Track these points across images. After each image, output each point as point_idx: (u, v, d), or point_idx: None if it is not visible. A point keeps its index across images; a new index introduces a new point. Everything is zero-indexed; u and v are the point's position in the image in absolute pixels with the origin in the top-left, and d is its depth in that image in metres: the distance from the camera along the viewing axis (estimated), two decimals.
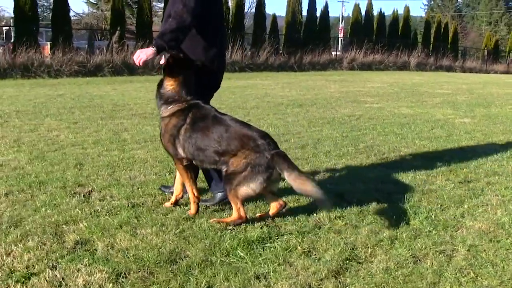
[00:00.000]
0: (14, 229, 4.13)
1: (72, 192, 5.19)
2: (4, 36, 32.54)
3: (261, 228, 4.18)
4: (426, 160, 6.80)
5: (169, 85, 4.47)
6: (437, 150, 7.66)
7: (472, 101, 15.06)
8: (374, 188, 5.44)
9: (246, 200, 4.38)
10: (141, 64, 4.35)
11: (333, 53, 36.28)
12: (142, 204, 4.81)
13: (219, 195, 4.80)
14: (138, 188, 5.30)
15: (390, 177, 5.89)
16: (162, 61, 4.46)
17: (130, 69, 23.94)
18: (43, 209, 4.62)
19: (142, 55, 4.32)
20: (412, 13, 41.39)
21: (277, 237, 4.02)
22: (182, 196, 4.78)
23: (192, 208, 4.52)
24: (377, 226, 4.28)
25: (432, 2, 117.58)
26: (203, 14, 4.46)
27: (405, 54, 37.19)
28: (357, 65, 33.81)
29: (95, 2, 49.75)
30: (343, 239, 3.98)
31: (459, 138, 8.70)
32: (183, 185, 4.71)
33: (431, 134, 9.02)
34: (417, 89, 18.81)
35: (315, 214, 4.53)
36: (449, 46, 42.98)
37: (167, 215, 4.50)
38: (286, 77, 24.46)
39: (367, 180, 5.78)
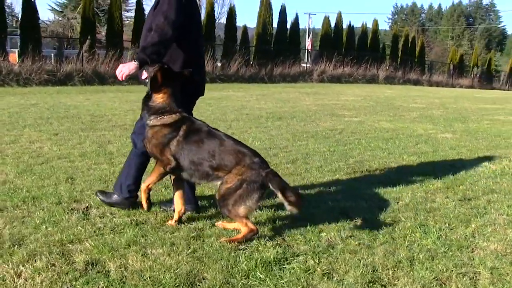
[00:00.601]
0: (18, 248, 3.95)
1: (69, 208, 5.01)
2: None
3: (274, 248, 4.09)
4: (420, 177, 6.79)
5: (159, 97, 4.42)
6: (427, 166, 7.67)
7: (448, 115, 15.25)
8: (377, 205, 5.40)
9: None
10: (123, 79, 4.34)
11: (303, 65, 36.46)
12: (145, 221, 4.67)
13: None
14: (137, 204, 5.16)
15: (390, 195, 5.86)
16: (144, 76, 4.43)
17: (100, 79, 23.67)
18: (44, 226, 4.44)
19: (124, 69, 4.31)
20: (369, 26, 41.91)
21: (292, 258, 3.93)
22: (185, 212, 4.68)
23: (143, 200, 4.56)
24: (391, 246, 4.22)
25: (396, 16, 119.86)
26: (183, 26, 4.48)
27: (374, 67, 37.62)
28: (327, 77, 34.06)
29: (60, 10, 49.07)
30: (360, 260, 3.90)
31: (446, 153, 8.76)
32: (183, 199, 4.63)
33: (417, 149, 9.06)
34: (392, 103, 18.99)
35: (324, 233, 4.46)
36: (416, 60, 43.63)
37: (173, 233, 4.37)
38: (258, 89, 24.44)
39: (367, 197, 5.74)
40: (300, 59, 36.79)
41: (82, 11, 26.88)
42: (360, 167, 7.45)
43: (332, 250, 4.11)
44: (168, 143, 4.35)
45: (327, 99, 19.51)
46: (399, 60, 41.95)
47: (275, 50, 33.46)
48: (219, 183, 4.26)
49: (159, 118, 4.39)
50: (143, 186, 4.55)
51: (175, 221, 4.62)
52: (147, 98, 4.50)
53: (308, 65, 36.81)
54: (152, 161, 4.97)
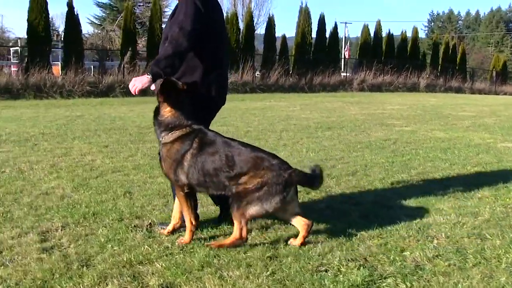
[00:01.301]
0: (87, 269, 3.73)
1: (132, 225, 4.79)
2: (17, 56, 32.27)
3: (357, 269, 3.78)
4: (492, 189, 6.38)
5: (167, 111, 4.29)
6: (495, 177, 7.22)
7: (503, 124, 14.68)
8: (456, 221, 5.00)
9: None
10: (136, 93, 4.21)
11: (342, 74, 36.05)
12: (214, 239, 4.40)
13: None
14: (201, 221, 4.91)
15: (466, 209, 5.47)
16: (153, 88, 4.28)
17: (142, 90, 23.58)
18: (109, 245, 4.22)
19: (137, 83, 4.18)
20: (409, 34, 41.15)
21: (381, 281, 3.61)
22: (181, 225, 4.49)
23: (187, 236, 4.32)
24: (486, 268, 3.85)
25: (433, 23, 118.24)
26: (201, 36, 4.31)
27: (414, 76, 36.88)
28: (367, 86, 33.54)
29: (99, 23, 49.73)
30: (456, 284, 3.56)
31: None
32: (180, 213, 4.47)
33: (479, 160, 8.63)
34: (440, 112, 18.47)
35: (408, 252, 4.13)
36: (457, 67, 42.69)
37: (246, 253, 4.09)
38: (300, 99, 24.13)
39: (443, 211, 5.37)
40: (339, 68, 36.34)
41: (123, 23, 27.02)
42: (424, 179, 7.09)
43: (421, 272, 3.77)
44: (181, 159, 4.21)
45: (373, 109, 19.08)
46: (439, 67, 41.08)
47: (314, 59, 33.07)
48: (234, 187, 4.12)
49: (170, 134, 4.26)
50: (187, 225, 4.33)
51: (168, 232, 4.52)
52: (157, 112, 4.37)
53: (347, 74, 36.29)
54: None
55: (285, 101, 22.42)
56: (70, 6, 24.39)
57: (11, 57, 34.60)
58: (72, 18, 24.64)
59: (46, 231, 4.58)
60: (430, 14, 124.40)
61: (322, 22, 34.29)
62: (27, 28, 23.44)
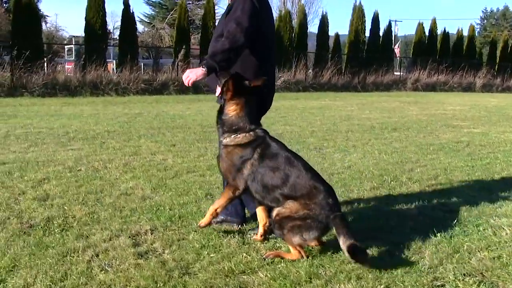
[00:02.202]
0: (188, 277, 3.57)
1: (222, 229, 4.61)
2: (71, 54, 32.79)
3: (477, 285, 3.51)
4: None
5: (232, 110, 4.17)
6: None
7: None
8: None
9: None
10: (189, 84, 4.14)
11: (396, 73, 35.39)
12: (314, 248, 4.17)
13: None
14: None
15: None
16: (218, 93, 4.22)
17: (195, 88, 23.53)
18: (205, 252, 4.05)
19: (191, 75, 4.09)
20: (465, 32, 39.92)
21: None
22: (270, 224, 4.29)
23: (206, 219, 4.32)
24: None
25: (486, 21, 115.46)
26: (257, 33, 4.26)
27: (470, 75, 35.90)
28: (421, 86, 32.85)
29: (149, 21, 50.20)
30: None
31: None
32: (266, 212, 4.32)
33: None
34: (506, 113, 17.84)
35: None
36: None
37: (350, 263, 3.84)
38: (354, 98, 23.76)
39: None
40: (393, 67, 35.67)
41: (177, 21, 27.06)
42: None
43: None
44: (242, 165, 4.11)
45: (433, 109, 18.58)
46: (496, 67, 39.83)
47: (368, 58, 32.52)
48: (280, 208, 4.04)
49: (233, 136, 4.16)
50: (211, 208, 4.29)
51: (261, 235, 4.39)
52: (220, 111, 4.26)
53: (401, 73, 35.56)
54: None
55: (340, 100, 22.09)
56: (126, 4, 24.54)
57: (65, 55, 35.10)
58: (127, 16, 24.77)
59: (136, 234, 4.44)
60: (483, 11, 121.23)
61: (376, 20, 33.72)
62: (85, 26, 23.69)
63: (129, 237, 4.36)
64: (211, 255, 3.98)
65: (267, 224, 4.35)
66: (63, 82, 21.36)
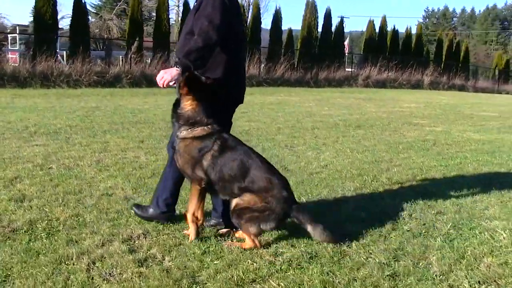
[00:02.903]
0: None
1: (219, 233, 4.44)
2: (15, 43, 31.64)
3: None
4: None
5: (188, 104, 4.15)
6: None
7: None
8: None
9: None
10: (165, 86, 4.03)
11: (347, 69, 35.73)
12: (319, 254, 4.05)
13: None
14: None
15: None
16: (172, 83, 4.08)
17: (148, 81, 23.13)
18: (207, 259, 3.87)
19: (166, 76, 4.01)
20: (413, 31, 40.72)
21: None
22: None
23: (191, 230, 4.27)
24: None
25: (427, 20, 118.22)
26: (228, 30, 4.20)
27: (418, 72, 36.62)
28: (372, 82, 33.22)
29: (95, 12, 49.09)
30: None
31: None
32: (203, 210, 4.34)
33: None
34: (459, 111, 18.24)
35: None
36: (460, 65, 42.35)
37: (359, 269, 3.74)
38: (308, 93, 23.84)
39: None
40: (344, 63, 35.99)
41: (130, 12, 26.45)
42: (491, 184, 6.72)
43: None
44: (201, 158, 4.11)
45: (389, 106, 18.79)
46: (442, 65, 40.75)
47: (320, 53, 32.66)
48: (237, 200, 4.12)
49: (189, 130, 4.13)
50: (188, 216, 4.24)
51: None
52: (176, 105, 4.22)
53: (352, 69, 35.87)
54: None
55: (296, 95, 22.09)
56: None
57: (9, 44, 33.87)
58: (79, 6, 24.06)
59: (129, 239, 4.22)
60: (425, 11, 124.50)
61: (328, 16, 33.90)
62: (34, 15, 22.96)
63: (123, 242, 4.13)
64: (215, 262, 3.81)
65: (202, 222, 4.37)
66: (12, 72, 20.56)
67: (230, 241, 4.25)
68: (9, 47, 31.72)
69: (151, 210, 4.63)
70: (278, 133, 10.57)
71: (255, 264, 3.79)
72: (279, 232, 4.46)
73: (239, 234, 4.32)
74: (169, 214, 4.66)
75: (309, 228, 4.10)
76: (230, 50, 4.34)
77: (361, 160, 8.19)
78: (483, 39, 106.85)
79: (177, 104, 4.21)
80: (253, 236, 4.06)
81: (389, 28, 38.35)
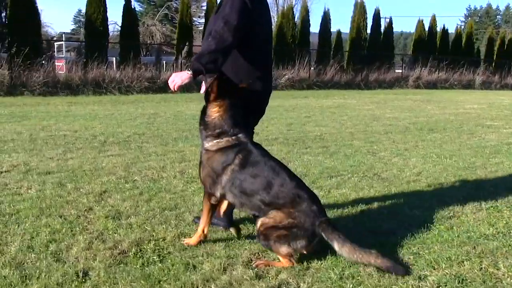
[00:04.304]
0: None
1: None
2: (61, 51, 31.92)
3: None
4: None
5: (215, 111, 3.98)
6: None
7: None
8: None
9: None
10: (175, 89, 3.92)
11: (397, 71, 34.96)
12: (467, 277, 3.57)
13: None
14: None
15: None
16: (203, 90, 4.00)
17: (199, 86, 22.82)
18: (347, 285, 3.42)
19: (177, 79, 3.89)
20: (451, 30, 39.55)
21: None
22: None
23: (194, 239, 4.16)
24: None
25: (469, 18, 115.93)
26: (247, 32, 4.00)
27: (469, 72, 35.59)
28: (423, 83, 32.39)
29: (139, 19, 49.35)
30: None
31: None
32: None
33: None
34: None
35: None
36: None
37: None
38: (363, 96, 23.27)
39: None
40: (394, 64, 35.22)
41: (179, 17, 26.30)
42: None
43: None
44: (222, 172, 3.94)
45: (452, 108, 18.07)
46: (493, 64, 39.49)
47: (369, 55, 31.99)
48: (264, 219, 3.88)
49: (215, 141, 3.98)
50: (199, 230, 4.15)
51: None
52: (203, 112, 4.07)
53: (402, 70, 35.03)
54: None
55: (351, 98, 21.56)
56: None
57: (55, 52, 34.18)
58: (129, 12, 23.99)
59: (249, 261, 3.82)
60: (467, 9, 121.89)
61: (377, 17, 33.19)
62: (85, 22, 23.00)
63: (244, 265, 3.75)
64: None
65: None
66: (65, 80, 20.58)
67: (259, 261, 3.88)
68: (56, 55, 32.05)
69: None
70: (353, 138, 10.09)
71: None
72: (412, 248, 4.02)
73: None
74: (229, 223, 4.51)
75: (336, 246, 3.72)
76: (252, 53, 4.17)
77: (453, 166, 7.66)
78: None
79: (204, 110, 4.07)
80: (288, 256, 3.78)
81: (439, 27, 37.32)
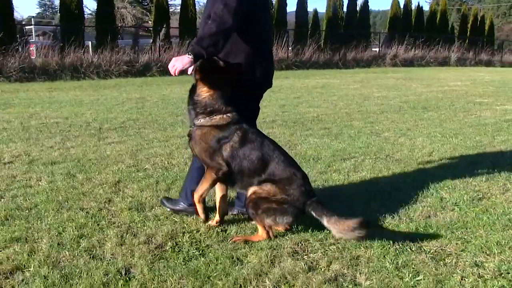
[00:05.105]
0: None
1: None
2: (32, 35, 31.07)
3: None
4: None
5: (204, 91, 3.93)
6: None
7: None
8: None
9: None
10: (176, 74, 3.76)
11: (373, 49, 34.93)
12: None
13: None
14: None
15: None
16: (190, 71, 3.88)
17: (182, 71, 22.47)
18: (406, 274, 3.28)
19: (177, 64, 3.73)
20: (426, 8, 39.67)
21: None
22: (227, 212, 4.34)
23: (199, 209, 4.14)
24: None
25: None
26: (247, 14, 3.92)
27: (444, 49, 35.74)
28: (400, 61, 32.44)
29: None
30: None
31: None
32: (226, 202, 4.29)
33: None
34: None
35: None
36: (485, 39, 41.25)
37: (417, 276, 3.15)
38: (344, 75, 23.16)
39: None
40: (371, 43, 35.17)
41: (156, 0, 25.73)
42: None
43: None
44: (219, 148, 3.89)
45: (436, 85, 18.07)
46: (467, 40, 39.69)
47: (346, 34, 31.87)
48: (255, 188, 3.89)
49: (208, 118, 3.92)
50: (195, 196, 4.05)
51: (216, 222, 4.24)
52: (192, 91, 4.00)
53: (379, 48, 35.01)
54: None
55: (332, 78, 21.42)
56: None
57: (29, 37, 33.29)
58: None
59: (294, 252, 3.67)
60: None
61: None
62: (60, 6, 22.27)
63: (291, 255, 3.60)
64: (417, 279, 3.23)
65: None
66: (41, 65, 20.01)
67: (236, 236, 3.96)
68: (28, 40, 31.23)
69: (181, 204, 4.42)
70: (351, 119, 9.97)
71: (466, 279, 3.21)
72: (456, 233, 3.89)
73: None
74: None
75: (324, 220, 3.74)
76: (253, 34, 4.07)
77: (461, 145, 7.60)
78: (495, 12, 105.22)
79: (193, 89, 4.00)
80: (267, 228, 3.86)
81: (414, 5, 37.36)
